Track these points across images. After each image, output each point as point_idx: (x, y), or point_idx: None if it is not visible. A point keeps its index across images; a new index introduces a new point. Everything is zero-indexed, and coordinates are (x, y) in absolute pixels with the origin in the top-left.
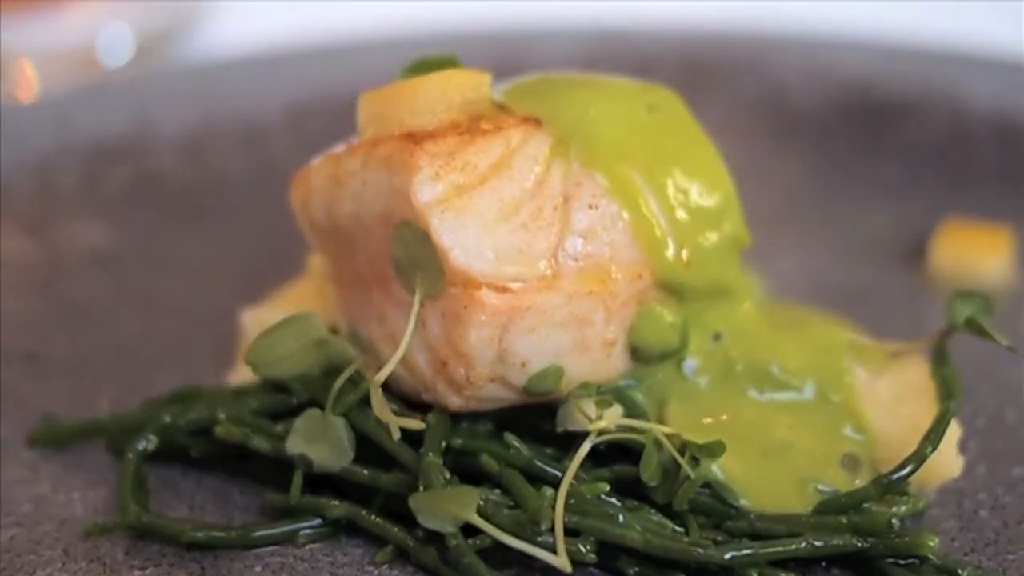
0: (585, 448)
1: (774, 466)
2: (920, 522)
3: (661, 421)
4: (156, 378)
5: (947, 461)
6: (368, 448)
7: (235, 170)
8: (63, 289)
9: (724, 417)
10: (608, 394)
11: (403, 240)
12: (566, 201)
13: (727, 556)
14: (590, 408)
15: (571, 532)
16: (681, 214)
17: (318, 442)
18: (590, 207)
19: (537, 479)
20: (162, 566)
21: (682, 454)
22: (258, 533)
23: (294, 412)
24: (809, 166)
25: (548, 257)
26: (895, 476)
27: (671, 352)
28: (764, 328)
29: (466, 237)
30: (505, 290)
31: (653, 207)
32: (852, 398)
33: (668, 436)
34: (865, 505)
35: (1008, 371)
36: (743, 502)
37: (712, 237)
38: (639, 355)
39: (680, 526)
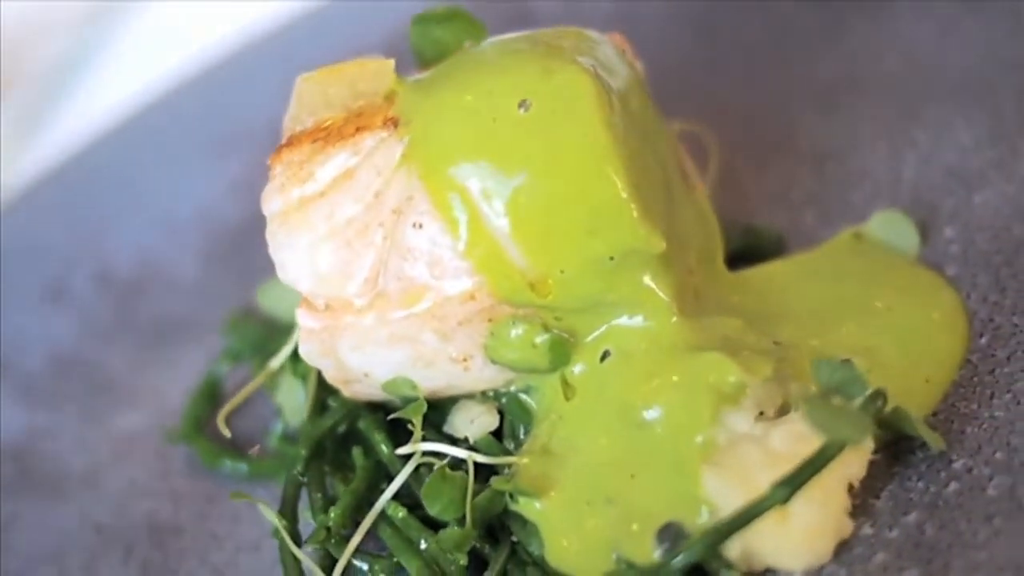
0: (407, 470)
1: (591, 520)
2: None
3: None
4: None
5: (784, 552)
6: None
7: None
8: None
9: (578, 448)
10: (500, 399)
11: None
12: (397, 216)
13: None
14: (460, 416)
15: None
16: (532, 230)
17: (288, 396)
18: (414, 225)
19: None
20: (195, 479)
21: (503, 492)
22: (253, 468)
23: None
24: None
25: (368, 277)
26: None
27: (543, 370)
28: (663, 350)
29: (293, 254)
30: (323, 309)
31: (494, 224)
32: (694, 458)
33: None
34: None
35: None
36: (544, 553)
37: (579, 253)
38: (508, 369)
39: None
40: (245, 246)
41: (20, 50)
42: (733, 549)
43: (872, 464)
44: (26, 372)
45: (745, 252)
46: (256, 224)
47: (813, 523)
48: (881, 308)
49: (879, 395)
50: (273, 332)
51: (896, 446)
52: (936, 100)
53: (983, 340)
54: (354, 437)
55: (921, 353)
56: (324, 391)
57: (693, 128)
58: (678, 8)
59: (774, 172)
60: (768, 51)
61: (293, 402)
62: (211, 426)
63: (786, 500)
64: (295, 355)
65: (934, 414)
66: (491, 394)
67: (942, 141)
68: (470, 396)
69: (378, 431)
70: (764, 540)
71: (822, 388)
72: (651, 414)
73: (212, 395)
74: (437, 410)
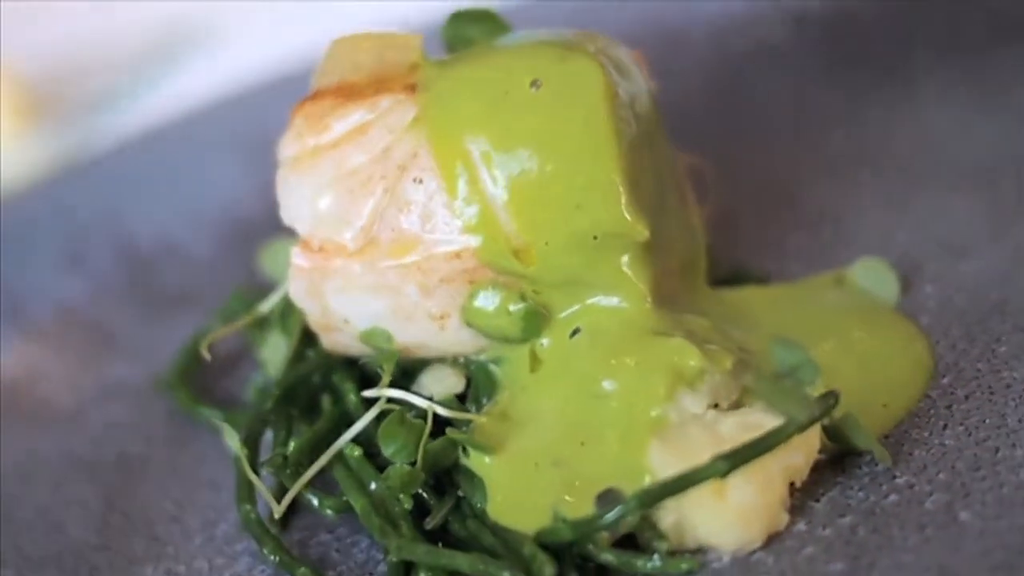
0: (371, 414)
1: (536, 480)
2: None
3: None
4: None
5: (717, 529)
6: None
7: None
8: None
9: (535, 415)
10: (470, 366)
11: None
12: (401, 172)
13: (393, 547)
14: (429, 376)
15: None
16: (523, 199)
17: (272, 351)
18: (415, 180)
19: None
20: (171, 425)
21: (455, 444)
22: (228, 418)
23: None
24: None
25: (364, 225)
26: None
27: (515, 340)
28: (632, 333)
29: (297, 196)
30: (317, 250)
31: (489, 189)
32: (644, 430)
33: (454, 420)
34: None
35: None
36: (487, 506)
37: (564, 228)
38: (481, 334)
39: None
40: (263, 241)
41: (64, 82)
42: (667, 518)
43: (816, 472)
44: (34, 319)
45: (729, 281)
46: (276, 224)
47: (749, 505)
48: (849, 338)
49: (832, 395)
50: None
51: (843, 460)
52: (938, 180)
53: (945, 380)
54: (327, 391)
55: (882, 381)
56: (306, 346)
57: (699, 163)
58: (708, 71)
59: (770, 223)
60: (789, 115)
61: (276, 356)
62: (195, 379)
63: (725, 474)
64: (284, 311)
65: (886, 436)
66: (462, 361)
67: (938, 215)
68: (441, 361)
69: (349, 382)
70: (698, 513)
71: (776, 368)
72: (609, 386)
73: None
74: (409, 376)
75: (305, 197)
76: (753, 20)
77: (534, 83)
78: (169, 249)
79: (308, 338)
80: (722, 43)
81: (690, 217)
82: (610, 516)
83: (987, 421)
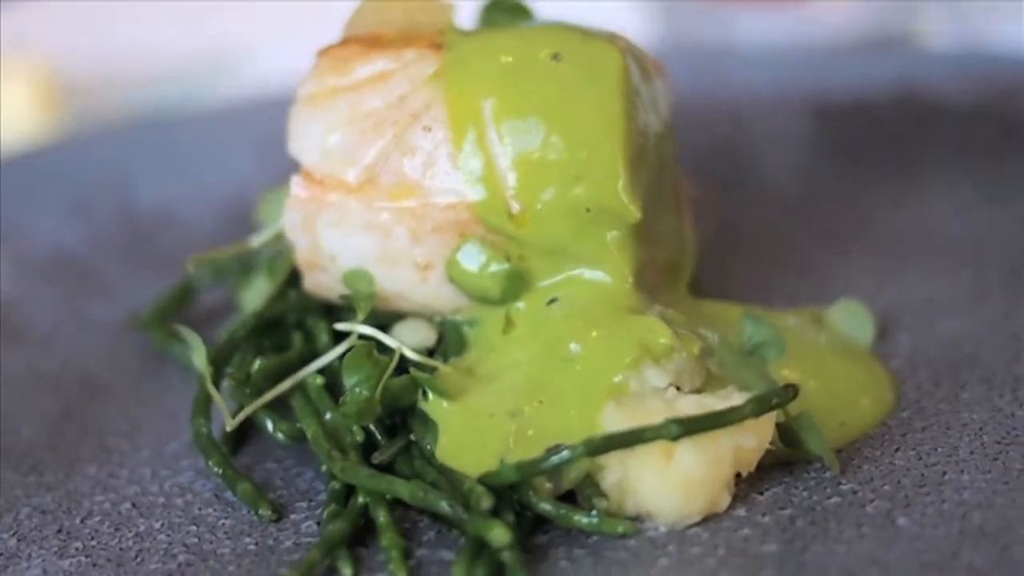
0: (339, 348)
1: (491, 428)
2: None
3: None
4: None
5: (657, 495)
6: None
7: None
8: None
9: (499, 373)
10: (443, 324)
11: None
12: (413, 120)
13: (338, 468)
14: (403, 327)
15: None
16: (526, 162)
17: (255, 296)
18: (424, 128)
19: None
20: (143, 361)
21: (418, 385)
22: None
23: None
24: None
25: (369, 165)
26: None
27: (493, 300)
28: (608, 308)
29: (308, 130)
30: (317, 183)
31: (495, 147)
32: (602, 393)
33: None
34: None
35: None
36: (436, 448)
37: (560, 196)
38: (461, 291)
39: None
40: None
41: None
42: (610, 476)
43: (763, 471)
44: (28, 254)
45: None
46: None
47: (694, 475)
48: (816, 361)
49: (792, 387)
50: None
51: (792, 464)
52: (930, 254)
53: (905, 413)
54: (300, 331)
55: (843, 403)
56: (288, 287)
57: (703, 187)
58: (725, 145)
59: (761, 265)
60: (796, 189)
61: (256, 299)
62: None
63: (676, 437)
64: (273, 256)
65: (838, 451)
66: (437, 319)
67: (923, 280)
68: (417, 316)
69: (323, 321)
70: (643, 473)
71: (743, 343)
72: (576, 349)
73: (184, 298)
74: (383, 330)
75: (316, 132)
76: (775, 106)
77: (555, 56)
78: (170, 217)
79: (291, 284)
80: (743, 124)
81: (682, 226)
82: (556, 459)
83: (939, 450)
